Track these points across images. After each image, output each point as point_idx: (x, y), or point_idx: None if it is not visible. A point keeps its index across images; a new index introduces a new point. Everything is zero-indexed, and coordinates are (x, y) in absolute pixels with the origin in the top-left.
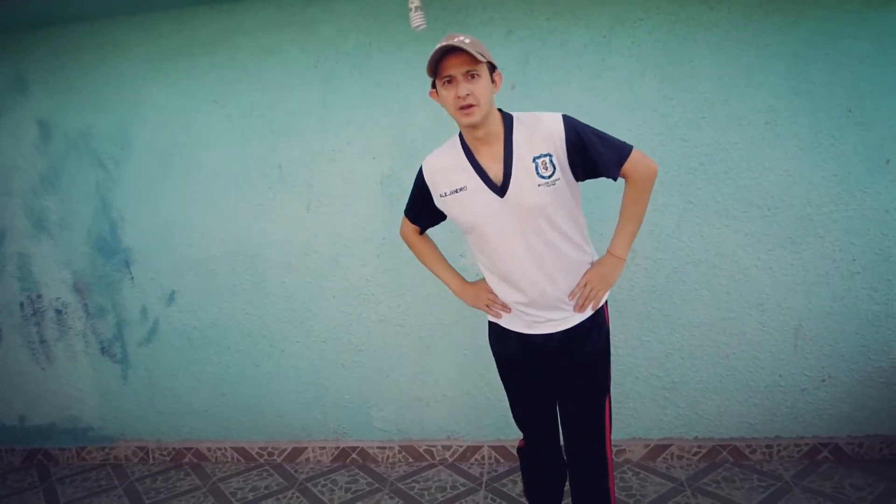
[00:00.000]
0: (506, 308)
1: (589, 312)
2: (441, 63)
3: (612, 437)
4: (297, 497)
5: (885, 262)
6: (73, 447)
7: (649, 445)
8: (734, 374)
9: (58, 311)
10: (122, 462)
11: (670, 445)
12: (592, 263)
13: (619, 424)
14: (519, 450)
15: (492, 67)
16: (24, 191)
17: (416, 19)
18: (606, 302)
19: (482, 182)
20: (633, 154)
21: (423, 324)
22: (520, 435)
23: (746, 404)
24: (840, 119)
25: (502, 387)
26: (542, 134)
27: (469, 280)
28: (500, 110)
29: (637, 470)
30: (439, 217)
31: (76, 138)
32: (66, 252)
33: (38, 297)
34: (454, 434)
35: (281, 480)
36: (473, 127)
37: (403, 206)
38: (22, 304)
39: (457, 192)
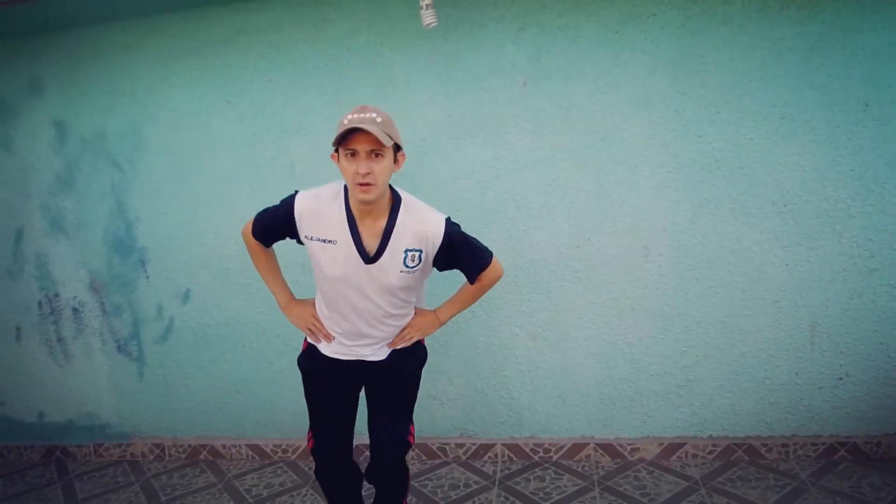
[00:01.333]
0: (328, 337)
1: (397, 347)
2: (348, 137)
3: (627, 435)
4: (312, 494)
5: None
6: (91, 444)
7: (663, 444)
8: (750, 372)
9: (75, 310)
10: (139, 459)
11: (685, 444)
12: (417, 311)
13: (633, 423)
14: (315, 470)
15: (397, 147)
16: (41, 191)
17: (428, 17)
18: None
19: (353, 246)
20: (492, 264)
21: None
22: None
23: (762, 402)
24: (857, 113)
25: (516, 385)
26: (422, 231)
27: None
28: (391, 188)
29: (651, 469)
30: (284, 238)
31: (91, 139)
32: (82, 251)
33: (56, 295)
34: (467, 432)
35: (295, 478)
36: (364, 202)
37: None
38: (40, 303)
39: (324, 242)
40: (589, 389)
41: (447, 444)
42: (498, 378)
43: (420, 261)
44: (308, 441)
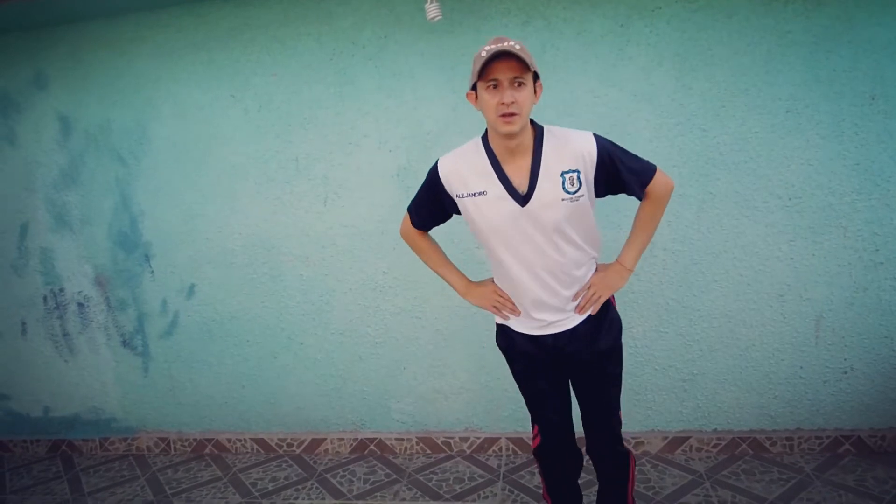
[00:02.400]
0: (515, 310)
1: (587, 314)
2: (489, 66)
3: (631, 429)
4: (317, 488)
5: None
6: (97, 438)
7: (668, 438)
8: (754, 366)
9: (80, 305)
10: (144, 453)
11: (689, 438)
12: (598, 267)
13: (638, 416)
14: (535, 451)
15: (535, 77)
16: (46, 186)
17: (432, 11)
18: (611, 298)
19: (504, 189)
20: (657, 174)
21: (441, 316)
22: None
23: (766, 396)
24: (863, 107)
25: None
26: (572, 150)
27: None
28: (531, 121)
29: (655, 462)
30: (445, 217)
31: (96, 133)
32: (87, 246)
33: (61, 290)
34: (472, 426)
35: (300, 471)
36: (509, 136)
37: None
38: (45, 298)
39: (475, 195)
40: None
41: (451, 437)
42: (502, 372)
43: (580, 184)
44: (533, 438)
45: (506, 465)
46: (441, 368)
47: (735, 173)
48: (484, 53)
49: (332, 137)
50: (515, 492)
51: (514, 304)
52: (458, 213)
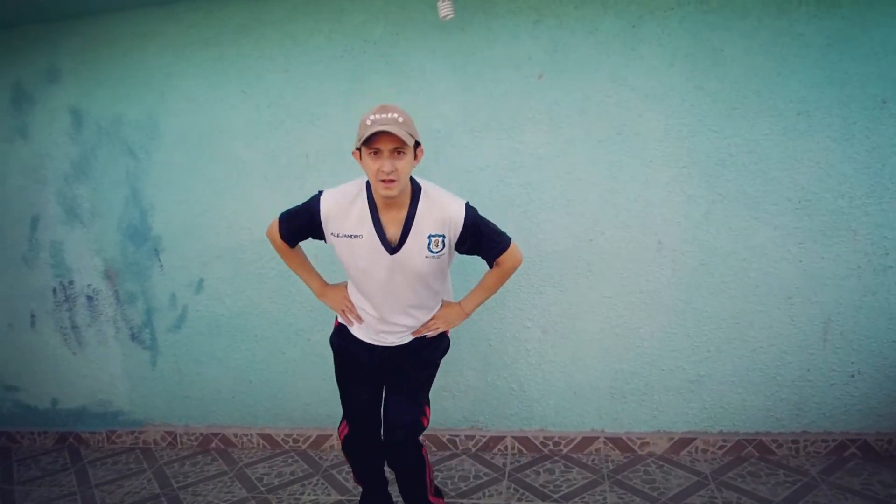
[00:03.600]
0: (358, 319)
1: (421, 335)
2: (372, 137)
3: (637, 429)
4: (322, 483)
5: None
6: (104, 431)
7: (673, 438)
8: (761, 368)
9: (89, 298)
10: (151, 446)
11: (695, 439)
12: (443, 303)
13: (644, 417)
14: (343, 441)
15: (416, 144)
16: (57, 179)
17: (444, 9)
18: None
19: (377, 238)
20: (510, 248)
21: None
22: None
23: (773, 398)
24: (875, 110)
25: (526, 378)
26: (442, 216)
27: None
28: (411, 179)
29: (661, 463)
30: (311, 238)
31: (107, 127)
32: (97, 239)
33: (70, 283)
34: (478, 424)
35: (306, 467)
36: (387, 197)
37: None
38: (54, 290)
39: (350, 237)
40: (600, 383)
41: (457, 435)
42: (509, 371)
43: (444, 246)
44: (340, 431)
45: (511, 463)
46: (447, 366)
47: (745, 175)
48: (369, 122)
49: (342, 134)
50: (521, 490)
51: (358, 314)
52: (325, 241)
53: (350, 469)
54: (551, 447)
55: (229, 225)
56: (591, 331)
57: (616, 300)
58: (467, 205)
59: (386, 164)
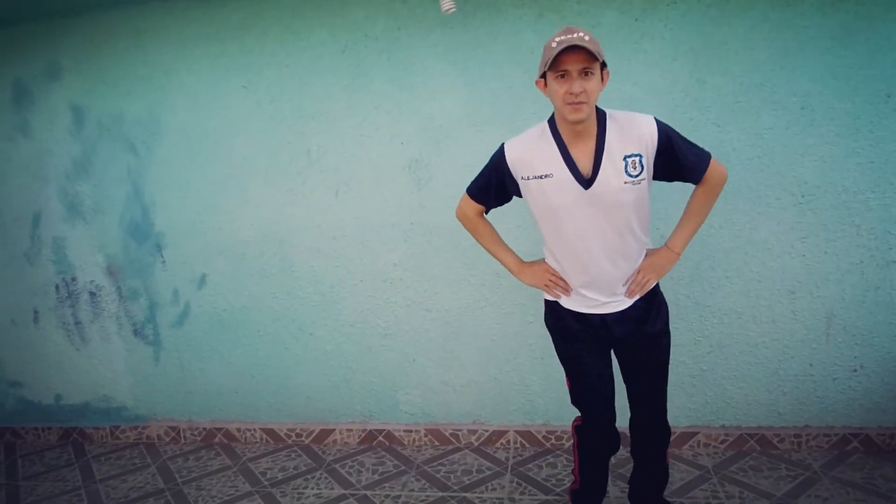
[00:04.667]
0: (567, 289)
1: (636, 297)
2: (560, 57)
3: None
4: (325, 478)
5: None
6: (107, 426)
7: (676, 433)
8: (764, 363)
9: (92, 294)
10: (155, 441)
11: (697, 433)
12: (647, 252)
13: None
14: (577, 427)
15: (602, 65)
16: (59, 175)
17: (446, 3)
18: (658, 283)
19: (569, 172)
20: (713, 161)
21: (451, 308)
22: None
23: (775, 393)
24: (879, 105)
25: (529, 372)
26: (635, 134)
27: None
28: (595, 107)
29: None
30: (506, 199)
31: (109, 123)
32: (99, 236)
33: (73, 279)
34: (480, 418)
35: (309, 461)
36: (577, 122)
37: (432, 191)
38: (57, 287)
39: (541, 178)
40: None
41: (460, 430)
42: (511, 365)
43: (642, 167)
44: (574, 421)
45: (514, 457)
46: (450, 361)
47: (748, 169)
48: (555, 45)
49: (343, 130)
50: (523, 484)
51: (566, 284)
52: (520, 195)
53: (576, 459)
54: (553, 441)
55: (231, 221)
56: None
57: None
58: (657, 119)
59: (575, 85)
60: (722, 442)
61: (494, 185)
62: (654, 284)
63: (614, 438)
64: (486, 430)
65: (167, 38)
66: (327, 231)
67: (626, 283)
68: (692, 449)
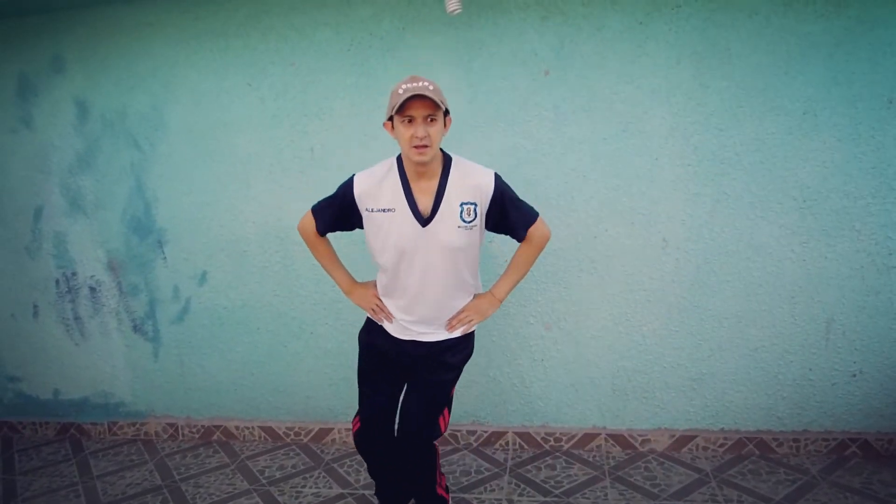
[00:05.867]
0: (389, 317)
1: (456, 334)
2: (406, 103)
3: (639, 426)
4: (324, 476)
5: None
6: (105, 422)
7: (675, 436)
8: (763, 367)
9: (92, 289)
10: (153, 438)
11: (696, 437)
12: (475, 295)
13: (646, 414)
14: (354, 436)
15: (445, 112)
16: (61, 170)
17: (452, 3)
18: (474, 330)
19: (409, 209)
20: (538, 221)
21: None
22: None
23: (775, 397)
24: (881, 110)
25: (529, 374)
26: (473, 184)
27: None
28: (441, 150)
29: (662, 460)
30: (347, 227)
31: (112, 118)
32: (101, 231)
33: (74, 274)
34: (479, 419)
35: (307, 460)
36: (420, 163)
37: None
38: (57, 281)
39: (383, 211)
40: (602, 380)
41: (459, 430)
42: (511, 366)
43: (475, 215)
44: (353, 425)
45: (512, 458)
46: None
47: (750, 173)
48: (401, 91)
49: (347, 129)
50: (522, 485)
51: (389, 313)
52: (362, 227)
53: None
54: (553, 443)
55: (233, 218)
56: (594, 327)
57: (619, 297)
58: (496, 174)
59: (419, 130)
60: (721, 445)
61: (336, 212)
62: (474, 327)
63: (393, 442)
64: (486, 431)
65: (172, 34)
66: None
67: (449, 321)
68: (691, 452)
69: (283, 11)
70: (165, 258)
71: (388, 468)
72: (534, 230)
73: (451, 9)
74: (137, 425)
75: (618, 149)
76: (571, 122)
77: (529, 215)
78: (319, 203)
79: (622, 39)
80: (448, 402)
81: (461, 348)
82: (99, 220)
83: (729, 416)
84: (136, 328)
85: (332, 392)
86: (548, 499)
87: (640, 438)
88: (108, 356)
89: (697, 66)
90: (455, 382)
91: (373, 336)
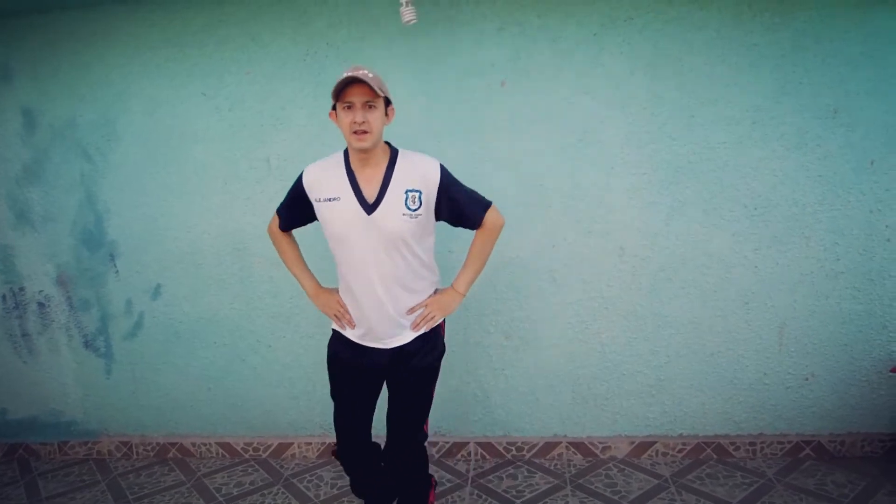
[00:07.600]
0: (351, 323)
1: (421, 331)
2: (344, 90)
3: (598, 433)
4: (283, 493)
5: (868, 261)
6: (56, 442)
7: (634, 442)
8: (719, 372)
9: (41, 305)
10: (105, 457)
11: (655, 442)
12: (437, 290)
13: (605, 421)
14: (334, 453)
15: (387, 102)
16: (8, 181)
17: (407, 14)
18: (444, 321)
19: (355, 197)
20: (491, 208)
21: None
22: None
23: (731, 402)
24: (826, 120)
25: (489, 384)
26: (419, 173)
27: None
28: (388, 143)
29: (622, 466)
30: (307, 220)
31: (62, 128)
32: (49, 244)
33: (21, 289)
34: (441, 430)
35: (266, 476)
36: (362, 150)
37: None
38: (4, 297)
39: (330, 200)
40: (562, 388)
41: None
42: (471, 377)
43: (420, 203)
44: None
45: (474, 469)
46: None
47: (703, 182)
48: (341, 78)
49: (304, 138)
50: (484, 496)
51: (351, 319)
52: (316, 218)
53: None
54: (514, 452)
55: (188, 230)
56: (553, 336)
57: (578, 306)
58: (442, 165)
59: (358, 115)
60: (679, 451)
61: (291, 203)
62: (439, 322)
63: (373, 451)
64: (447, 442)
65: (125, 41)
66: None
67: (411, 312)
68: (651, 458)
69: (241, 20)
70: (117, 271)
71: (375, 483)
72: (487, 217)
73: (407, 19)
74: (89, 444)
75: (574, 158)
76: (528, 132)
77: (481, 203)
78: (281, 203)
79: (577, 51)
80: (430, 402)
81: (428, 350)
82: (48, 233)
83: (687, 421)
84: (87, 344)
85: (291, 406)
86: None
87: (600, 446)
88: (58, 373)
89: (651, 77)
90: (434, 382)
91: (336, 346)
